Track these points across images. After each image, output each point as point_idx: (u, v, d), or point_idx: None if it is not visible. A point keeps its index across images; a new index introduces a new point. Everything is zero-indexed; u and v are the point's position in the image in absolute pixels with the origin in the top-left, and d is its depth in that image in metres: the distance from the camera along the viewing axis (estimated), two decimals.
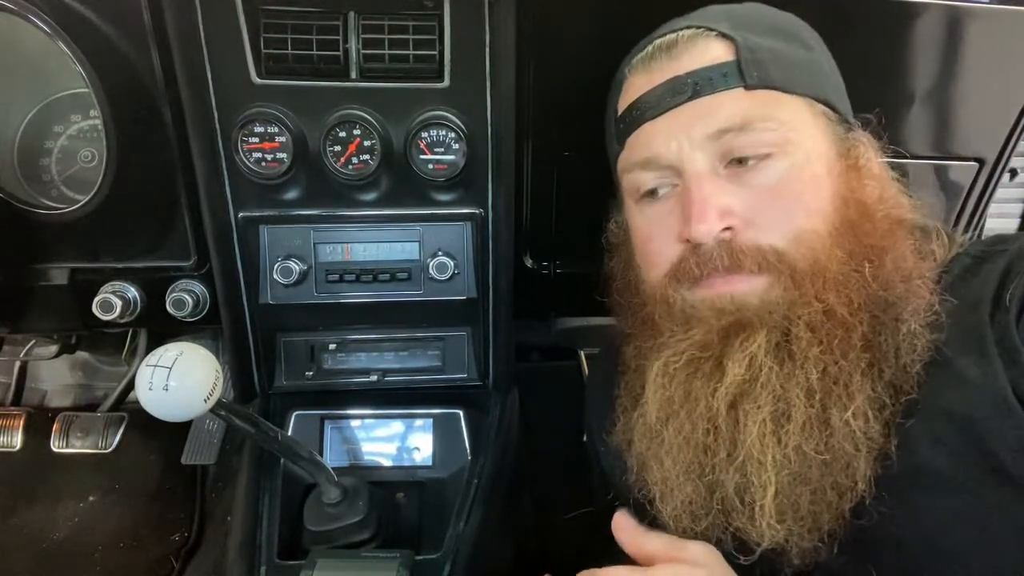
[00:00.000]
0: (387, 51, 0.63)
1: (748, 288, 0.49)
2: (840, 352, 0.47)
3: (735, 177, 0.51)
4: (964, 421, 0.44)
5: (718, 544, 0.49)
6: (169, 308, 0.74)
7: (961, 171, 0.86)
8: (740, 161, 0.51)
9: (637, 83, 0.56)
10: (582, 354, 1.07)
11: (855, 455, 0.45)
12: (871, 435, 0.46)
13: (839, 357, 0.47)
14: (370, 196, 0.69)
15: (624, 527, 0.51)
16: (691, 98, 0.52)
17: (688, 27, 0.55)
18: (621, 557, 0.50)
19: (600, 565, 0.48)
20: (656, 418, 0.52)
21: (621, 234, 0.64)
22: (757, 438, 0.47)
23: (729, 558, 0.48)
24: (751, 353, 0.48)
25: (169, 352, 0.48)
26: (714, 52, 0.53)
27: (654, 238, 0.55)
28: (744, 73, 0.51)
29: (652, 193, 0.55)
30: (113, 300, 0.72)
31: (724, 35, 0.53)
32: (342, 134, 0.64)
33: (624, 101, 0.58)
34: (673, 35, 0.55)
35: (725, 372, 0.48)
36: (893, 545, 0.45)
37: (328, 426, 0.76)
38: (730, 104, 0.51)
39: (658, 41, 0.56)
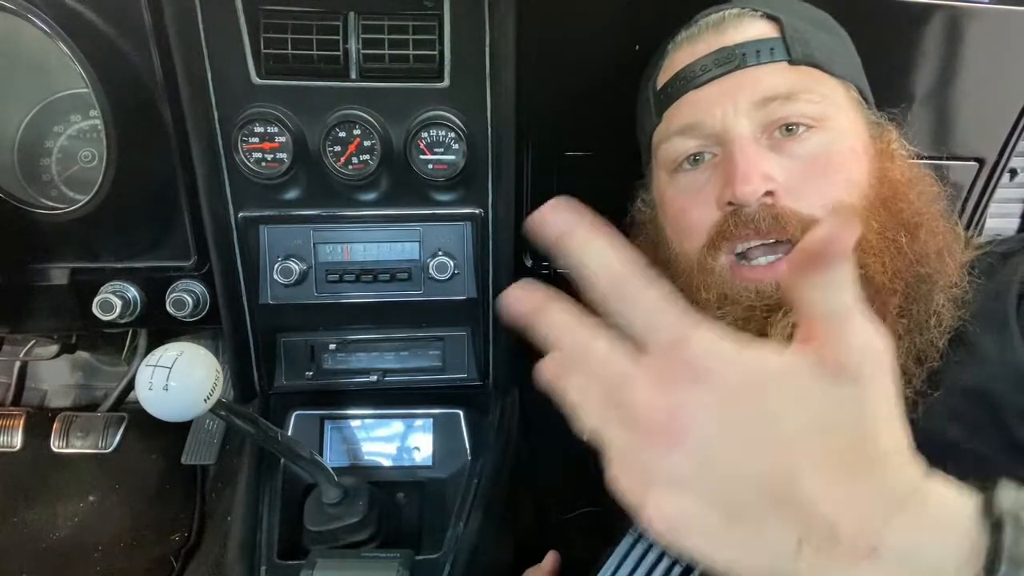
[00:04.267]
0: (387, 51, 0.63)
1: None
2: (878, 318, 0.47)
3: (777, 147, 0.52)
4: (981, 395, 0.44)
5: None
6: (169, 308, 0.74)
7: (961, 171, 0.86)
8: (786, 129, 0.52)
9: (681, 56, 0.58)
10: None
11: None
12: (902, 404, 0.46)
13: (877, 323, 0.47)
14: (370, 196, 0.69)
15: None
16: (738, 67, 0.53)
17: (733, 7, 0.57)
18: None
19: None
20: None
21: (649, 212, 0.64)
22: None
23: None
24: (794, 321, 0.48)
25: (169, 352, 0.48)
26: (761, 29, 0.55)
27: (690, 208, 0.56)
28: (789, 48, 0.53)
29: (690, 160, 0.56)
30: (113, 300, 0.72)
31: (769, 15, 0.55)
32: (342, 134, 0.64)
33: (666, 74, 0.59)
34: (719, 14, 0.57)
35: (769, 340, 0.49)
36: None
37: (328, 426, 0.76)
38: (775, 75, 0.53)
39: (704, 20, 0.58)
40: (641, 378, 0.27)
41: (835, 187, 0.51)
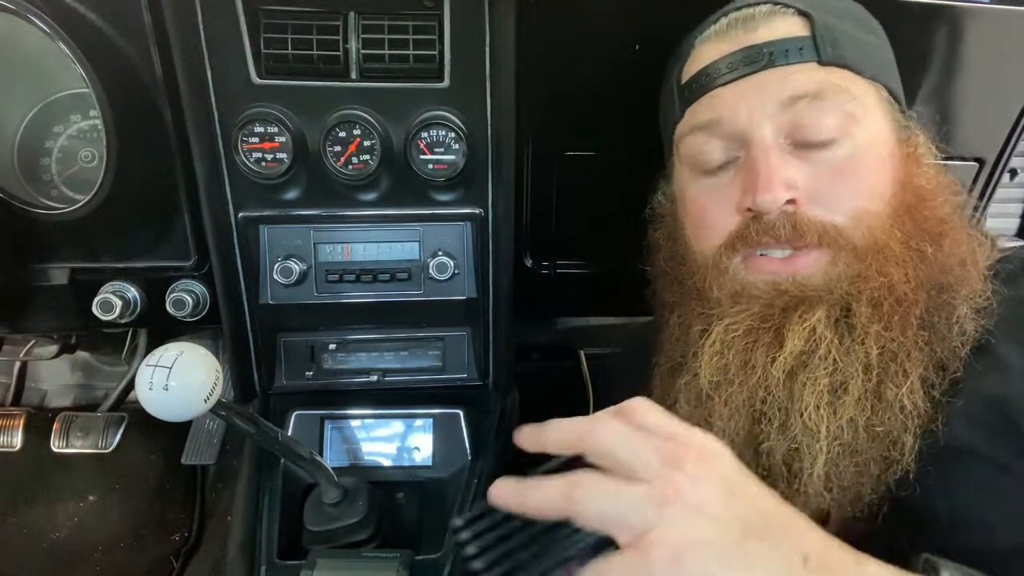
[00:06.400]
0: (387, 51, 0.63)
1: (810, 268, 0.50)
2: (899, 329, 0.48)
3: (799, 154, 0.51)
4: (1000, 403, 0.45)
5: None
6: (169, 308, 0.74)
7: (961, 171, 0.86)
8: (806, 143, 0.51)
9: (708, 52, 0.56)
10: (582, 354, 1.07)
11: (904, 430, 0.46)
12: (920, 412, 0.47)
13: (898, 334, 0.48)
14: (370, 196, 0.69)
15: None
16: (765, 67, 0.52)
17: (764, 3, 0.55)
18: None
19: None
20: (708, 383, 0.53)
21: (668, 205, 0.64)
22: (814, 408, 0.47)
23: None
24: (811, 326, 0.48)
25: (169, 352, 0.48)
26: (791, 27, 0.53)
27: (710, 209, 0.55)
28: (819, 48, 0.52)
29: (716, 168, 0.56)
30: (113, 300, 0.72)
31: (800, 12, 0.54)
32: (342, 134, 0.64)
33: (691, 69, 0.58)
34: (750, 9, 0.55)
35: (785, 342, 0.49)
36: (925, 516, 0.46)
37: (328, 426, 0.76)
38: (804, 74, 0.52)
39: (734, 15, 0.56)
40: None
41: (859, 195, 0.50)
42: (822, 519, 0.48)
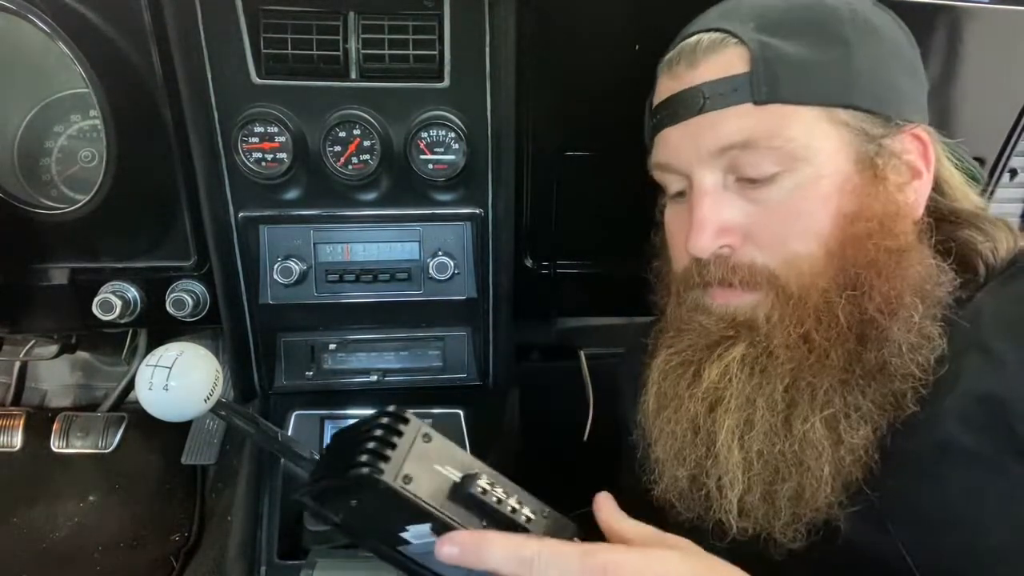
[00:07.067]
0: (387, 51, 0.63)
1: (741, 303, 0.52)
2: (811, 372, 0.49)
3: (742, 192, 0.52)
4: (995, 402, 0.44)
5: (697, 531, 0.51)
6: (169, 308, 0.74)
7: None
8: (748, 180, 0.51)
9: (663, 85, 0.57)
10: (582, 354, 1.07)
11: (819, 459, 0.48)
12: (848, 441, 0.48)
13: (810, 376, 0.49)
14: (370, 196, 0.69)
15: (604, 507, 0.48)
16: (700, 111, 0.52)
17: (712, 29, 0.54)
18: None
19: None
20: (652, 408, 0.56)
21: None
22: (725, 442, 0.50)
23: (711, 540, 0.51)
24: (727, 363, 0.51)
25: (169, 352, 0.48)
26: (729, 62, 0.51)
27: (675, 239, 0.58)
28: (753, 89, 0.50)
29: (676, 194, 0.58)
30: (113, 300, 0.72)
31: (744, 42, 0.51)
32: (342, 134, 0.64)
33: (654, 100, 0.59)
34: (695, 38, 0.54)
35: (702, 378, 0.52)
36: (917, 514, 0.47)
37: (328, 426, 0.76)
38: (736, 120, 0.50)
39: (683, 43, 0.55)
40: None
41: (793, 237, 0.50)
42: (763, 539, 0.50)
